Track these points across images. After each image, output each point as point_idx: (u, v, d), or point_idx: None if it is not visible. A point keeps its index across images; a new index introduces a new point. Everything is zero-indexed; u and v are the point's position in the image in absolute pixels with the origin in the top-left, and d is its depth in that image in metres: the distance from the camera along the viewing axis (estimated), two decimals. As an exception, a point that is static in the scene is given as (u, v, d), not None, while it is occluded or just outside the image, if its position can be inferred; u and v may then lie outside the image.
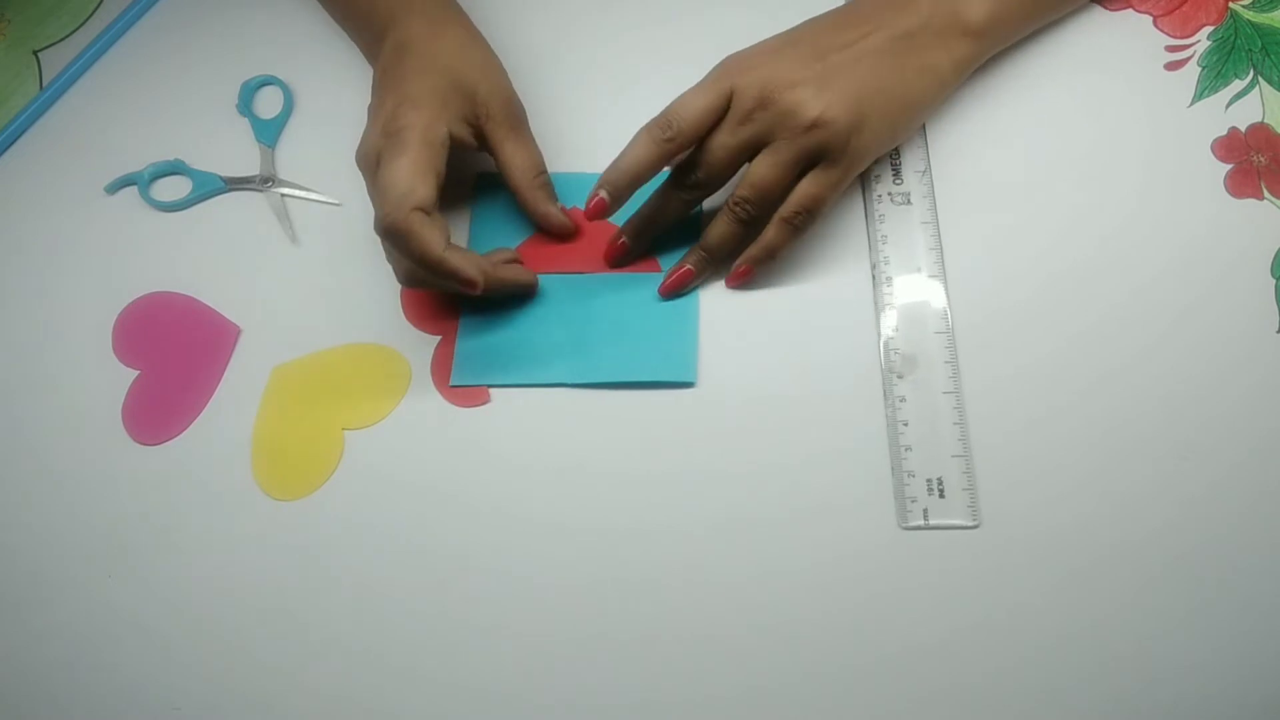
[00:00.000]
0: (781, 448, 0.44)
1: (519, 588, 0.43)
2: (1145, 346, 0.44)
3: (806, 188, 0.44)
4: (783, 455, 0.44)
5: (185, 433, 0.47)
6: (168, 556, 0.45)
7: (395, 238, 0.42)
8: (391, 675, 0.42)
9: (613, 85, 0.53)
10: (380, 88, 0.46)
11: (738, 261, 0.46)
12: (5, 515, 0.47)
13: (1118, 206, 0.46)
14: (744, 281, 0.47)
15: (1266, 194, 0.46)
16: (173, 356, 0.49)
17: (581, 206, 0.46)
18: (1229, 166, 0.47)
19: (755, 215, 0.44)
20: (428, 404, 0.46)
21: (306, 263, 0.51)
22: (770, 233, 0.45)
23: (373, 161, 0.44)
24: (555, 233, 0.49)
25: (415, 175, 0.42)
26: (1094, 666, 0.39)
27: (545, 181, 0.48)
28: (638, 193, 0.45)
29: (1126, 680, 0.39)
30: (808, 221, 0.44)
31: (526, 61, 0.52)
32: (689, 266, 0.46)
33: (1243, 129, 0.47)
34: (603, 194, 0.44)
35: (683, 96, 0.43)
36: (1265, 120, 0.47)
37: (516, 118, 0.48)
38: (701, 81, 0.44)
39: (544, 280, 0.48)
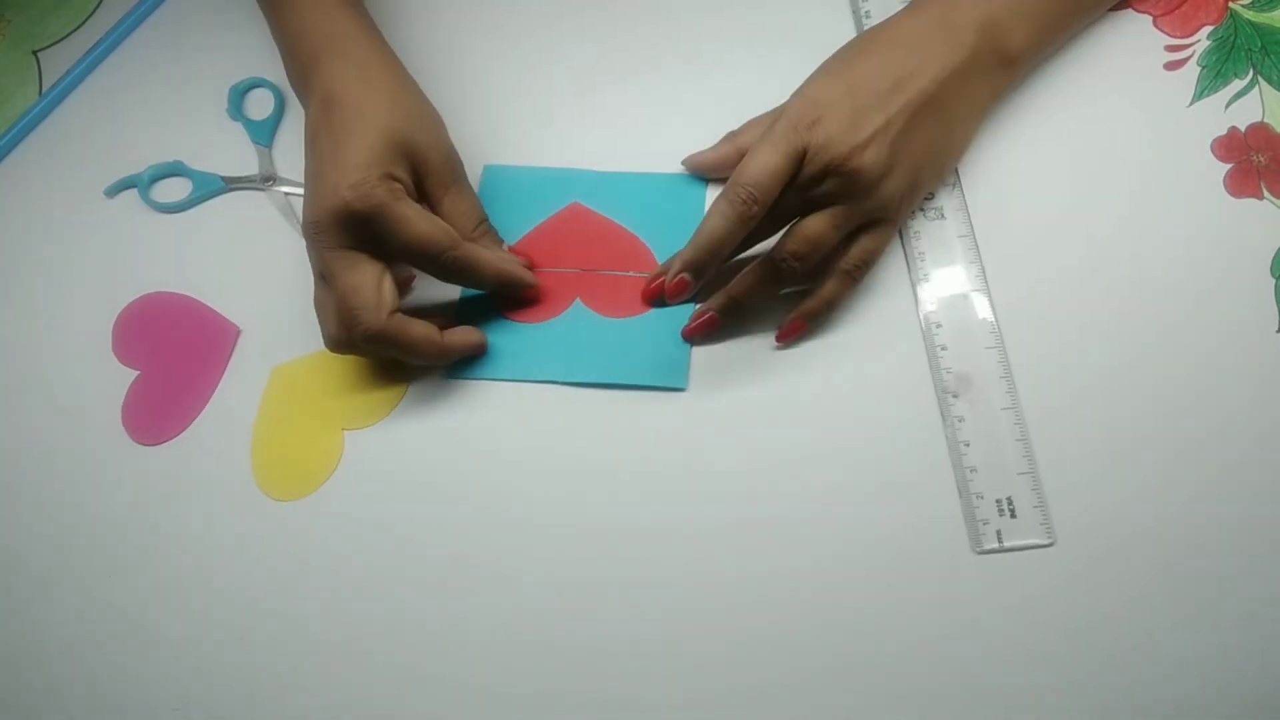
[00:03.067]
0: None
1: (519, 588, 0.43)
2: (1146, 349, 0.44)
3: (866, 243, 0.43)
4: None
5: (185, 433, 0.47)
6: (168, 556, 0.45)
7: (384, 347, 0.42)
8: (391, 674, 0.42)
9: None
10: (313, 150, 0.43)
11: (792, 315, 0.45)
12: (6, 515, 0.47)
13: (1117, 208, 0.46)
14: (797, 337, 0.45)
15: (1266, 194, 0.46)
16: (173, 356, 0.49)
17: (534, 200, 0.49)
18: (1229, 166, 0.47)
19: (802, 273, 0.43)
20: (428, 404, 0.46)
21: (306, 262, 0.50)
22: (830, 286, 0.44)
23: (323, 262, 0.42)
24: (513, 284, 0.46)
25: (380, 280, 0.42)
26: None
27: (488, 229, 0.47)
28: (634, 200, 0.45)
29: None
30: (864, 273, 0.44)
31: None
32: (714, 313, 0.45)
33: (1242, 129, 0.47)
34: (686, 276, 0.43)
35: (756, 158, 0.41)
36: (1265, 120, 0.47)
37: (454, 170, 0.46)
38: (771, 137, 0.41)
39: (540, 277, 0.48)
